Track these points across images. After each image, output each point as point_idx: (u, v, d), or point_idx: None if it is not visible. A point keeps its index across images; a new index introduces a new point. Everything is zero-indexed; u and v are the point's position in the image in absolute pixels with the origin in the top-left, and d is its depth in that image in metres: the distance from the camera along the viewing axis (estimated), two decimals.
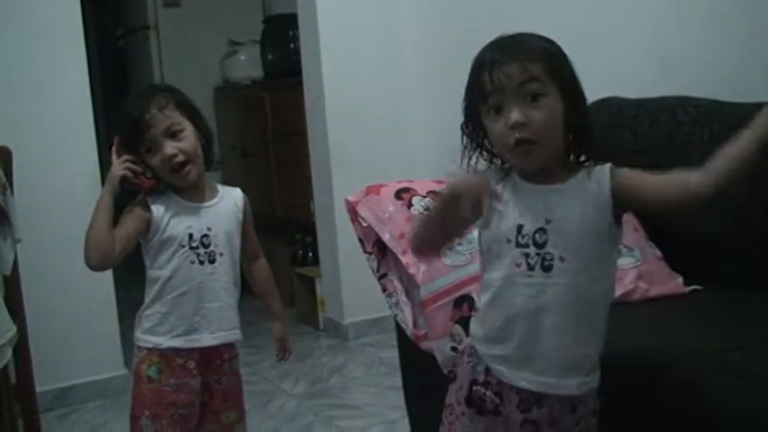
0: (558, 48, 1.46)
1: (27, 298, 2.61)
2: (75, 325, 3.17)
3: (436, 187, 2.25)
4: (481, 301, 1.53)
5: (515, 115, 1.38)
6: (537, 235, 1.43)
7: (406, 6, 3.83)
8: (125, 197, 1.88)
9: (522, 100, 1.39)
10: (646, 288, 2.04)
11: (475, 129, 1.50)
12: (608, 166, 1.47)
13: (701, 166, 1.34)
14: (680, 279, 2.10)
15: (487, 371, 1.50)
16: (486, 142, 1.50)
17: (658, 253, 2.12)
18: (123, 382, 3.14)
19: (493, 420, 1.50)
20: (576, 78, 1.45)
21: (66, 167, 3.13)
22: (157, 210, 1.88)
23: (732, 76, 2.33)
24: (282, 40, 4.48)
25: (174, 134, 1.84)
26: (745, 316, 1.57)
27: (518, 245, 1.44)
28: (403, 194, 2.22)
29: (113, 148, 1.89)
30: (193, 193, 1.92)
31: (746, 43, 2.34)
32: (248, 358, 3.43)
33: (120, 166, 1.85)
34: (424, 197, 2.20)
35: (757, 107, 2.08)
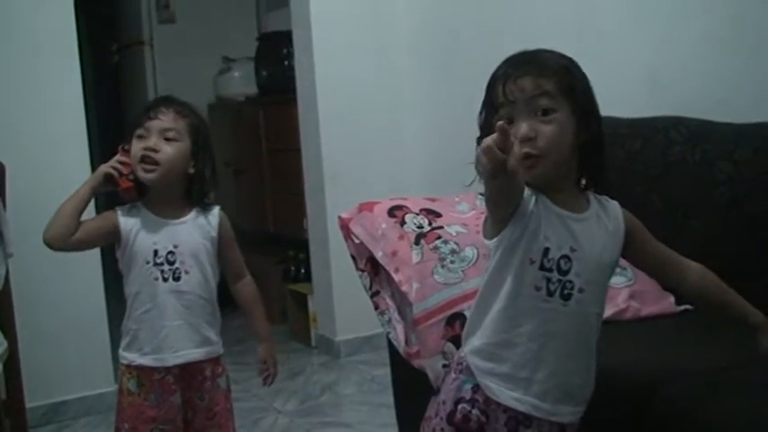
0: (576, 66, 1.48)
1: (18, 312, 2.60)
2: (67, 340, 3.16)
3: (429, 205, 2.26)
4: (481, 311, 1.51)
5: (524, 129, 1.39)
6: (562, 261, 1.43)
7: (400, 23, 3.84)
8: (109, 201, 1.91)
9: (533, 114, 1.41)
10: (638, 307, 2.05)
11: None
12: (618, 204, 1.53)
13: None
14: (672, 299, 2.10)
15: (475, 388, 1.49)
16: None
17: None
18: (114, 397, 3.11)
19: None
20: (590, 97, 1.47)
21: (59, 182, 3.07)
22: (126, 222, 1.89)
23: (725, 98, 2.35)
24: (277, 57, 4.49)
25: (167, 138, 1.86)
26: (735, 336, 1.57)
27: (542, 267, 1.43)
28: (396, 212, 2.22)
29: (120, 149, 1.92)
30: (163, 208, 1.92)
31: (739, 65, 2.35)
32: (238, 375, 3.41)
33: (108, 164, 1.90)
34: (417, 215, 2.20)
35: (748, 127, 2.11)
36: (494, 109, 1.45)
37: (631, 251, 1.53)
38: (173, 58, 5.22)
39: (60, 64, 3.15)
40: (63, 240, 1.83)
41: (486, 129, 1.50)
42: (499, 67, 1.47)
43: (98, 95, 6.09)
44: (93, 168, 3.15)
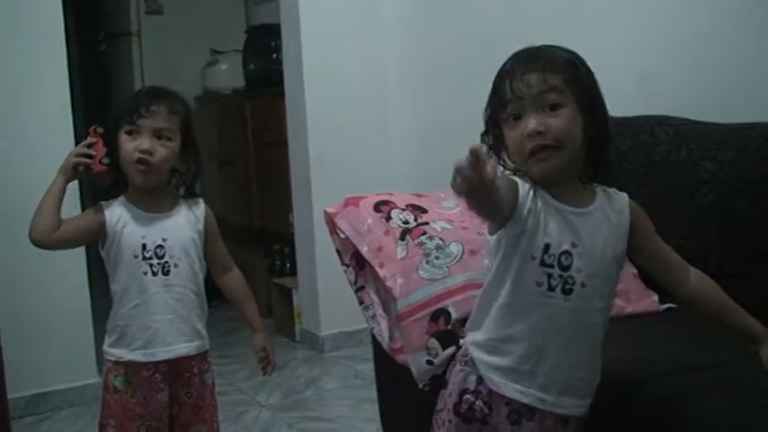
0: (582, 60, 1.48)
1: (1, 304, 2.58)
2: (49, 331, 3.14)
3: (415, 201, 2.26)
4: (485, 306, 1.52)
5: (533, 124, 1.40)
6: (563, 257, 1.44)
7: (388, 18, 3.84)
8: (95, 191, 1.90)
9: (541, 110, 1.41)
10: (622, 305, 2.05)
11: (495, 138, 1.50)
12: (626, 196, 1.52)
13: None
14: (655, 297, 2.11)
15: (479, 380, 1.51)
16: (506, 151, 1.50)
17: (634, 270, 2.13)
18: (97, 389, 3.06)
19: (479, 430, 1.51)
20: (596, 92, 1.48)
21: (44, 172, 3.06)
22: (111, 216, 1.87)
23: (713, 97, 2.35)
24: (264, 49, 4.48)
25: (160, 137, 1.84)
26: (718, 335, 1.59)
27: (542, 263, 1.44)
28: (382, 207, 2.21)
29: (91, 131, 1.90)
30: (150, 203, 1.90)
31: (728, 64, 2.36)
32: (222, 368, 3.41)
33: (75, 152, 1.89)
34: (403, 210, 2.20)
35: (733, 128, 2.12)
36: (501, 105, 1.45)
37: (632, 245, 1.52)
38: (160, 49, 5.20)
39: (47, 53, 3.13)
40: (48, 238, 1.83)
41: (492, 125, 1.50)
42: (505, 64, 1.48)
43: (85, 85, 6.05)
44: None
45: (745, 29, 2.33)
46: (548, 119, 1.41)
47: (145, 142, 1.82)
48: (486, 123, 1.51)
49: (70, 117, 3.19)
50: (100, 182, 1.90)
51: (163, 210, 1.92)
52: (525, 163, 1.44)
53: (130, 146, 1.83)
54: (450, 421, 1.54)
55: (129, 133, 1.84)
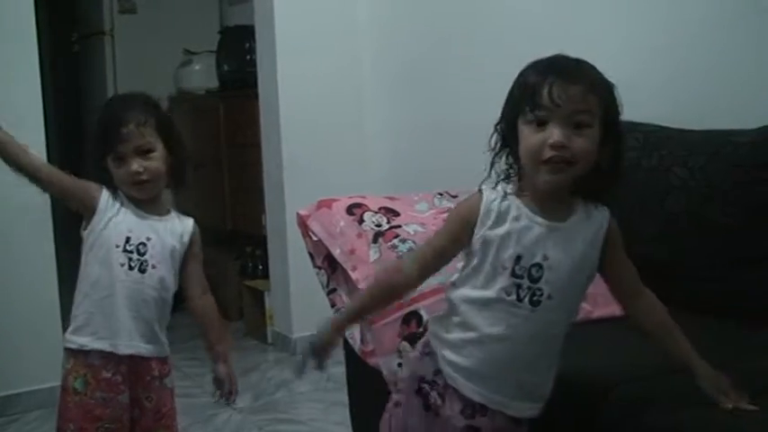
0: (613, 86, 1.48)
1: None
2: (18, 332, 3.11)
3: (388, 203, 2.26)
4: (453, 307, 1.54)
5: (559, 136, 1.40)
6: (533, 269, 1.46)
7: (363, 20, 3.85)
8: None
9: (569, 124, 1.41)
10: (589, 309, 2.06)
11: (508, 130, 1.50)
12: (607, 213, 1.54)
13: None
14: None
15: (436, 371, 1.54)
16: (513, 147, 1.50)
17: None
18: None
19: (433, 420, 1.54)
20: (619, 120, 1.48)
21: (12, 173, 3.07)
22: (106, 201, 1.88)
23: (701, 104, 2.35)
24: (238, 51, 4.47)
25: (143, 152, 1.85)
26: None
27: (513, 274, 1.46)
28: (354, 209, 2.22)
29: None
30: (145, 205, 1.91)
31: (705, 72, 2.37)
32: (192, 371, 3.39)
33: None
34: (376, 213, 2.21)
35: (702, 134, 2.13)
36: (530, 106, 1.43)
37: (602, 261, 1.54)
38: (133, 48, 5.17)
39: (18, 52, 3.09)
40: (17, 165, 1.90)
41: (510, 118, 1.49)
42: (542, 68, 1.46)
43: (57, 85, 6.01)
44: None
45: (732, 36, 2.33)
46: (573, 136, 1.41)
47: (133, 165, 1.84)
48: (504, 116, 1.51)
49: (41, 118, 3.16)
50: None
51: (155, 213, 1.93)
52: (535, 168, 1.44)
53: (122, 171, 1.85)
54: (409, 407, 1.57)
55: (117, 159, 1.85)
